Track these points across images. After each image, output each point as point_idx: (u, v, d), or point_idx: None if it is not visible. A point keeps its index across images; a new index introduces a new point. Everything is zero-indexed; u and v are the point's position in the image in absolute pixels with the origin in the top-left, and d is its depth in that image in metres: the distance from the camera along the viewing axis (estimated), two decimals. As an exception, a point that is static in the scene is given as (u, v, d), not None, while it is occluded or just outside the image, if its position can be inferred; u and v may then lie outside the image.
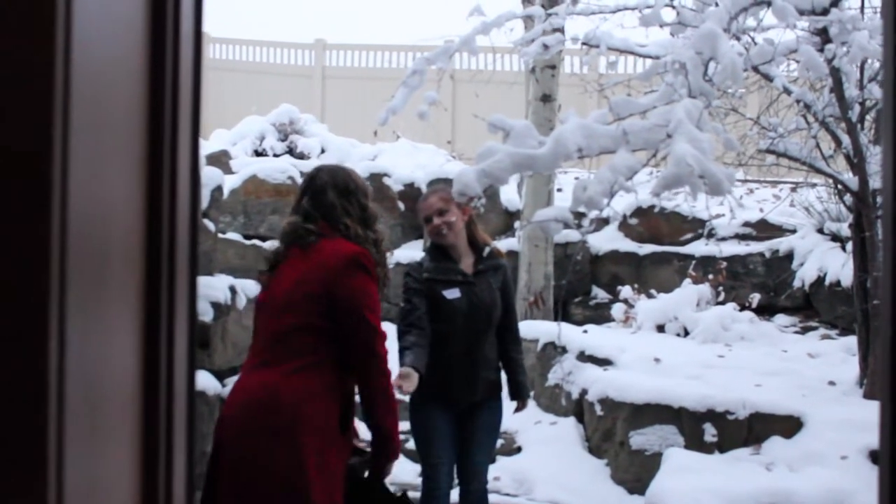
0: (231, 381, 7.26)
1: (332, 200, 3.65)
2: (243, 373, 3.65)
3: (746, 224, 10.41)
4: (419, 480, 6.78)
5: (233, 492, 3.37)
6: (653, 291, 9.30)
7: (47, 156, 1.03)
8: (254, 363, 3.57)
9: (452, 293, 4.87)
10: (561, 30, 6.75)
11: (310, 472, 3.36)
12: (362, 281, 3.52)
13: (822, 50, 5.83)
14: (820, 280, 9.43)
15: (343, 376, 3.53)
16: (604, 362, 7.25)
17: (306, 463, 3.36)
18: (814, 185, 9.47)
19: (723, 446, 6.16)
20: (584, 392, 7.02)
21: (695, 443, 6.19)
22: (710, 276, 9.20)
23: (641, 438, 6.39)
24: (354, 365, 3.51)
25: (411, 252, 11.01)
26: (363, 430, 3.84)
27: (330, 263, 3.51)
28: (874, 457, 5.56)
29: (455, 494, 5.37)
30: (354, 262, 3.52)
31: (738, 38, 5.52)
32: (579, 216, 4.00)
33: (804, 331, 9.35)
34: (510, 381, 5.06)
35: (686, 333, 8.41)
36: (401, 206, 11.38)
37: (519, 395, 5.09)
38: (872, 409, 6.07)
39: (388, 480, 6.86)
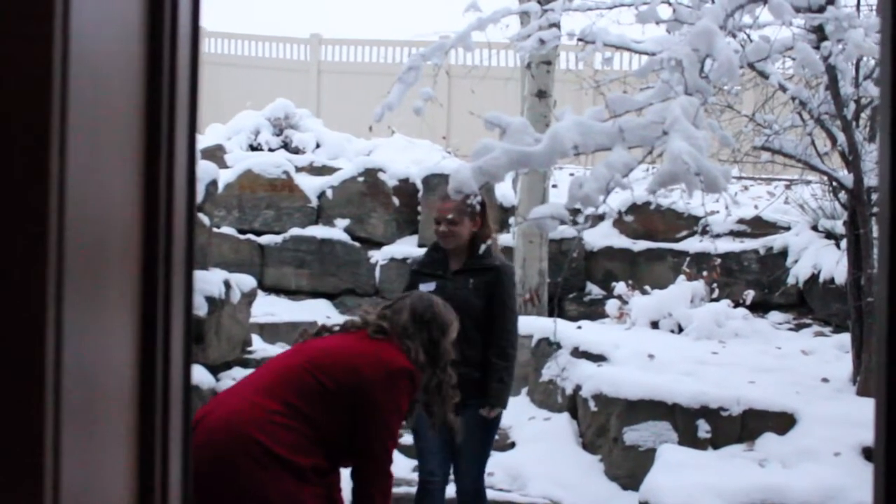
0: (224, 375, 7.25)
1: (406, 321, 3.68)
2: (239, 386, 3.62)
3: (741, 221, 10.42)
4: (414, 475, 6.79)
5: None
6: (647, 288, 9.31)
7: (45, 151, 1.03)
8: (253, 386, 3.52)
9: (428, 286, 4.83)
10: (557, 25, 6.74)
11: (270, 494, 3.28)
12: (401, 394, 3.54)
13: (817, 47, 5.83)
14: (814, 277, 9.45)
15: (325, 461, 3.47)
16: (598, 358, 7.26)
17: (268, 493, 3.28)
18: (808, 183, 9.48)
19: (716, 443, 6.17)
20: (577, 388, 7.03)
21: (688, 439, 6.20)
22: (705, 273, 9.21)
23: (635, 434, 6.39)
24: (356, 461, 3.53)
25: (405, 247, 11.01)
26: None
27: (384, 359, 3.53)
28: (867, 453, 5.58)
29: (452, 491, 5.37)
30: (401, 376, 3.54)
31: (733, 36, 5.52)
32: (575, 213, 4.00)
33: (798, 328, 9.37)
34: (484, 385, 4.95)
35: (680, 330, 8.42)
36: (395, 201, 11.38)
37: (487, 401, 4.97)
38: (865, 405, 6.08)
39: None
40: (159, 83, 1.35)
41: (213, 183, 9.04)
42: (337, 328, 3.75)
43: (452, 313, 3.84)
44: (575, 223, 3.95)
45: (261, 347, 8.26)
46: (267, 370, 3.61)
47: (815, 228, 9.87)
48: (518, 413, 7.61)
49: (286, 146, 12.96)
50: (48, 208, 1.03)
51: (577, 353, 7.38)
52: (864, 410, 5.95)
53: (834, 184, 7.15)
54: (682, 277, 9.14)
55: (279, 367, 3.55)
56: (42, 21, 1.03)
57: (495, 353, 4.93)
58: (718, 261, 9.45)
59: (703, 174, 2.95)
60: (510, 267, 5.05)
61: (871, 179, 6.43)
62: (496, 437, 7.26)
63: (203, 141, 12.44)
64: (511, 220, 10.45)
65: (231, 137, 13.12)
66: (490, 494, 6.29)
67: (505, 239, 10.30)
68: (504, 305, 4.94)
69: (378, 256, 11.06)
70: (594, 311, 9.96)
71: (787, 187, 10.04)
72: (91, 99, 1.14)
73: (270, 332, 9.30)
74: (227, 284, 7.35)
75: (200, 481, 3.20)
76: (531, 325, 8.19)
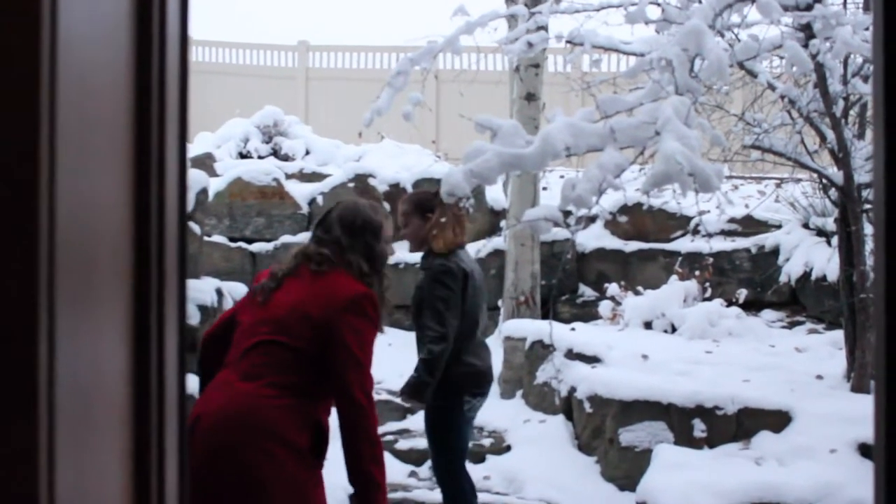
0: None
1: (338, 235, 3.58)
2: (221, 377, 3.55)
3: (732, 220, 10.44)
4: (410, 481, 6.78)
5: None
6: (640, 288, 9.32)
7: (34, 159, 1.02)
8: (232, 373, 3.47)
9: None
10: (545, 28, 6.75)
11: (275, 484, 3.25)
12: (363, 324, 3.43)
13: (806, 45, 5.84)
14: (806, 275, 9.47)
15: (316, 405, 3.42)
16: (592, 360, 7.25)
17: (263, 473, 3.25)
18: (799, 181, 9.50)
19: (712, 442, 6.17)
20: (572, 390, 7.02)
21: (684, 439, 6.20)
22: (697, 273, 9.22)
23: (631, 435, 6.39)
24: (338, 407, 3.41)
25: (397, 253, 11.00)
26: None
27: (337, 296, 3.42)
28: (863, 450, 5.58)
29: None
30: (360, 304, 3.43)
31: (722, 35, 5.53)
32: (567, 214, 3.99)
33: (791, 326, 9.39)
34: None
35: (673, 330, 8.43)
36: (386, 206, 11.36)
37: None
38: (860, 402, 6.09)
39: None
40: (148, 91, 1.34)
41: (204, 191, 9.03)
42: (284, 271, 3.60)
43: (380, 212, 3.73)
44: (567, 225, 3.94)
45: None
46: (238, 350, 3.51)
47: (806, 226, 9.89)
48: (513, 416, 7.60)
49: (276, 153, 12.95)
50: (38, 218, 1.02)
51: (571, 354, 7.37)
52: (859, 407, 5.96)
53: (824, 181, 7.16)
54: (674, 277, 9.16)
55: (248, 345, 3.46)
56: (29, 29, 1.02)
57: (418, 347, 5.06)
58: (710, 260, 9.46)
59: (696, 174, 2.95)
60: (438, 266, 5.00)
61: (860, 176, 6.44)
62: (492, 440, 7.26)
63: (192, 149, 12.44)
64: (502, 223, 10.45)
65: (220, 145, 13.11)
66: (486, 498, 6.30)
67: (497, 242, 10.31)
68: (425, 301, 5.00)
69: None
70: (587, 313, 9.96)
71: (778, 186, 10.06)
72: (80, 107, 1.13)
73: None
74: (220, 293, 7.34)
75: (206, 483, 3.21)
76: (524, 328, 8.19)
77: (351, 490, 3.57)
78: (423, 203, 5.05)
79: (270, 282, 3.57)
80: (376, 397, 7.95)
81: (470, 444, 5.38)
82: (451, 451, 5.17)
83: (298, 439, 3.32)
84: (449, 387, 5.00)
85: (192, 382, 6.70)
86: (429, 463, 6.90)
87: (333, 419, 3.47)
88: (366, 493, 3.38)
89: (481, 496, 6.37)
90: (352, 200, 3.91)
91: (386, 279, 3.71)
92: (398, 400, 8.06)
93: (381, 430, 7.76)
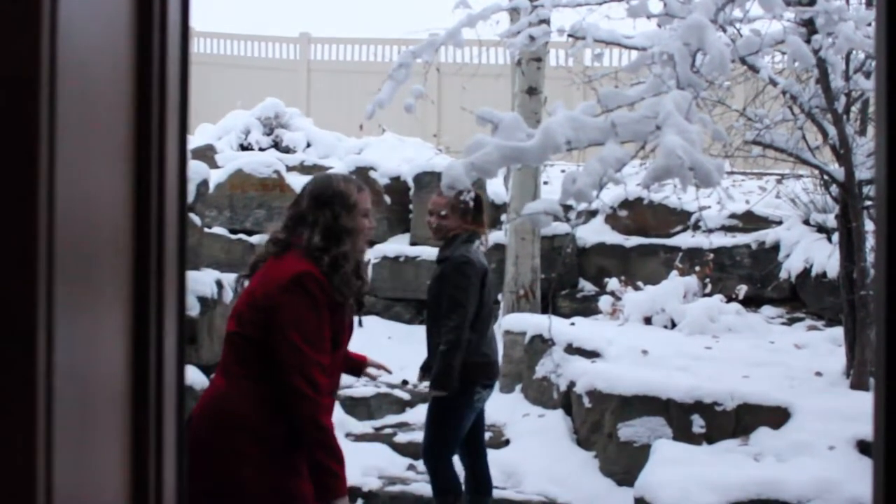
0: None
1: (304, 210, 3.47)
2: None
3: (733, 216, 10.44)
4: (409, 474, 6.79)
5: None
6: (640, 283, 9.32)
7: (34, 151, 1.01)
8: (216, 370, 3.49)
9: None
10: (547, 21, 6.74)
11: (245, 484, 3.19)
12: (302, 304, 3.28)
13: (808, 41, 5.83)
14: (806, 271, 9.47)
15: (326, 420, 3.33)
16: (591, 354, 7.26)
17: (240, 475, 3.20)
18: (800, 177, 9.49)
19: (711, 437, 6.17)
20: (571, 384, 7.02)
21: (683, 434, 6.20)
22: (697, 268, 9.22)
23: (630, 430, 6.39)
24: (283, 391, 3.28)
25: (397, 246, 11.00)
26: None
27: (277, 278, 3.32)
28: (861, 446, 5.58)
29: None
30: (293, 283, 3.29)
31: (724, 30, 5.51)
32: (567, 209, 4.00)
33: (791, 322, 9.39)
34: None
35: (673, 325, 8.43)
36: (387, 199, 11.36)
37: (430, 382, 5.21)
38: (859, 399, 6.09)
39: (376, 474, 6.88)
40: (149, 82, 1.33)
41: (204, 183, 9.02)
42: (254, 260, 3.56)
43: (354, 184, 3.56)
44: (567, 219, 3.94)
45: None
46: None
47: (806, 222, 9.89)
48: (512, 410, 7.61)
49: (277, 145, 12.95)
50: (37, 209, 1.01)
51: (571, 349, 7.38)
52: (858, 404, 5.96)
53: (825, 177, 7.16)
54: (674, 273, 9.15)
55: (225, 338, 3.49)
56: (29, 20, 1.01)
57: (439, 338, 5.17)
58: (711, 256, 9.46)
59: (696, 169, 2.95)
60: (459, 257, 5.19)
61: (862, 173, 6.44)
62: (491, 434, 7.27)
63: (193, 141, 12.44)
64: (503, 217, 10.45)
65: (221, 137, 13.11)
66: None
67: (497, 236, 10.31)
68: (445, 293, 5.17)
69: (370, 255, 11.05)
70: (587, 308, 9.96)
71: (779, 182, 10.05)
72: (80, 98, 1.12)
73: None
74: (220, 284, 7.34)
75: (192, 486, 3.20)
76: (524, 322, 8.19)
77: (349, 482, 3.56)
78: (465, 201, 5.24)
79: (245, 272, 3.55)
80: (375, 391, 8.03)
81: (487, 436, 5.54)
82: (446, 441, 5.29)
83: (270, 429, 3.26)
84: (463, 376, 5.13)
85: (191, 374, 6.71)
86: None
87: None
88: (317, 481, 3.26)
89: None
90: (325, 174, 3.78)
91: (359, 254, 3.51)
92: (397, 393, 8.08)
93: (379, 423, 7.82)
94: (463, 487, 5.43)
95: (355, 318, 3.69)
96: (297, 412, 3.25)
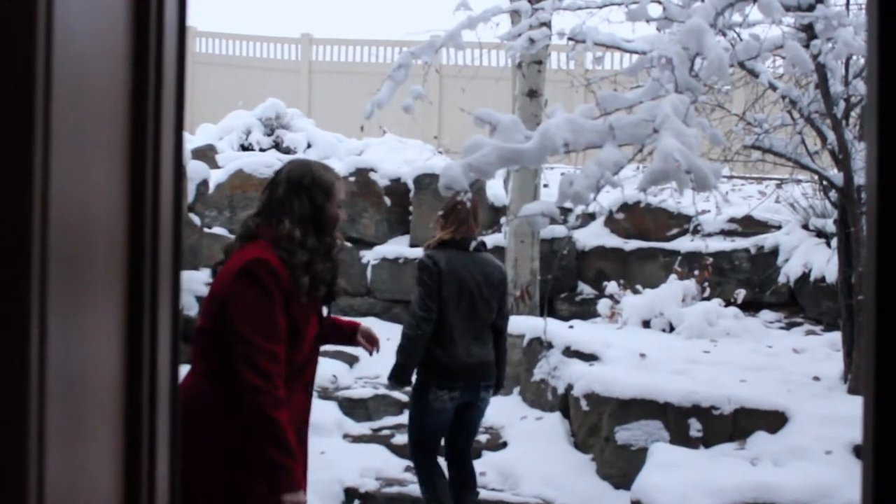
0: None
1: (281, 196, 3.32)
2: None
3: (732, 220, 10.45)
4: (406, 475, 6.79)
5: None
6: (638, 287, 9.32)
7: (28, 149, 1.02)
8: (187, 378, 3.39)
9: None
10: (547, 24, 6.75)
11: (198, 482, 3.06)
12: (252, 293, 3.17)
13: (807, 46, 5.84)
14: (805, 276, 9.47)
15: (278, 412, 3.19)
16: (589, 357, 7.26)
17: (193, 473, 2.98)
18: (799, 182, 9.50)
19: (708, 441, 6.17)
20: (569, 387, 7.03)
21: (680, 438, 6.20)
22: (696, 272, 9.22)
23: (627, 433, 6.40)
24: (236, 381, 3.17)
25: (397, 247, 11.01)
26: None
27: (231, 269, 3.24)
28: (858, 451, 5.58)
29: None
30: (243, 272, 3.18)
31: (724, 34, 5.53)
32: (565, 211, 4.01)
33: (789, 326, 9.39)
34: None
35: (671, 329, 8.43)
36: (387, 201, 11.37)
37: None
38: (857, 404, 6.08)
39: (374, 476, 6.88)
40: (145, 82, 1.34)
41: (204, 183, 9.05)
42: (224, 250, 3.48)
43: (332, 171, 3.43)
44: (565, 222, 3.95)
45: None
46: None
47: (805, 227, 9.89)
48: (510, 412, 7.61)
49: (277, 146, 12.96)
50: (31, 207, 1.02)
51: (569, 352, 7.38)
52: (856, 409, 5.95)
53: (824, 182, 7.16)
54: (673, 277, 9.16)
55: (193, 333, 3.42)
56: (25, 17, 1.02)
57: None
58: (710, 260, 9.47)
59: (693, 172, 2.96)
60: (419, 261, 5.49)
61: (861, 178, 6.44)
62: (488, 436, 7.28)
63: (194, 141, 12.44)
64: (502, 219, 10.45)
65: (222, 137, 13.12)
66: (482, 494, 6.31)
67: (497, 238, 10.32)
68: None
69: (370, 256, 11.06)
70: (586, 311, 9.97)
71: (778, 186, 10.06)
72: (76, 98, 1.13)
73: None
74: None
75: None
76: (523, 325, 8.19)
77: (346, 483, 3.54)
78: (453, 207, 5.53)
79: (218, 262, 3.46)
80: (373, 392, 8.03)
81: (483, 439, 5.60)
82: (413, 437, 5.55)
83: (225, 426, 3.18)
84: (421, 376, 5.39)
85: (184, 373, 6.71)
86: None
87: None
88: (268, 475, 3.17)
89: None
90: (301, 159, 3.62)
91: (337, 247, 3.40)
92: (395, 395, 8.08)
93: (377, 424, 7.82)
94: (447, 483, 5.59)
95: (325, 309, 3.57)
96: (248, 404, 3.14)
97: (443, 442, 5.57)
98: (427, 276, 5.32)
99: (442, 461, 5.64)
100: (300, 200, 3.32)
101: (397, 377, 5.36)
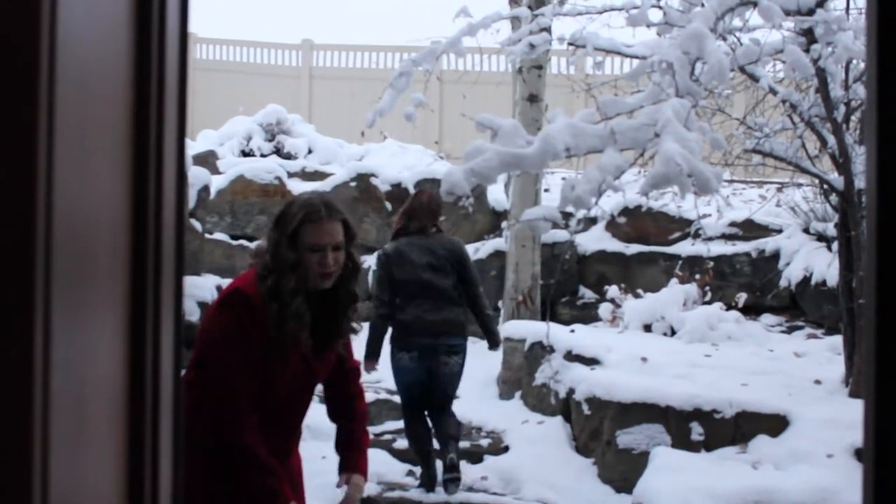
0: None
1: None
2: None
3: (733, 224, 10.45)
4: (407, 480, 6.79)
5: None
6: (640, 291, 9.32)
7: (32, 155, 1.03)
8: None
9: None
10: (548, 30, 6.76)
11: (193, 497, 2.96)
12: (215, 321, 3.14)
13: (807, 50, 5.85)
14: (806, 280, 9.47)
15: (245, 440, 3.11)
16: (591, 362, 7.26)
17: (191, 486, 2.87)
18: (800, 186, 9.50)
19: (709, 445, 6.18)
20: (571, 391, 7.03)
21: (682, 442, 6.21)
22: (697, 276, 9.22)
23: (628, 437, 6.40)
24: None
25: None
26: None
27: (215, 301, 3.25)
28: (860, 455, 5.58)
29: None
30: (219, 302, 3.17)
31: (724, 39, 5.54)
32: (567, 216, 4.02)
33: (790, 330, 9.39)
34: None
35: (673, 333, 8.43)
36: (388, 206, 11.37)
37: None
38: (858, 407, 6.08)
39: (376, 480, 6.87)
40: (147, 87, 1.35)
41: (206, 188, 9.05)
42: None
43: (309, 214, 3.11)
44: (567, 226, 3.95)
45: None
46: None
47: (806, 231, 9.90)
48: (512, 417, 7.61)
49: (278, 152, 12.97)
50: (36, 212, 1.02)
51: (571, 356, 7.38)
52: (857, 412, 5.95)
53: (825, 186, 7.17)
54: (674, 281, 9.16)
55: None
56: (29, 24, 1.03)
57: None
58: (711, 264, 9.47)
59: (695, 176, 2.96)
60: (377, 253, 6.77)
61: (861, 182, 6.45)
62: (489, 440, 7.28)
63: (195, 147, 12.45)
64: (503, 224, 10.46)
65: (223, 143, 13.13)
66: (484, 498, 6.32)
67: (498, 243, 10.33)
68: None
69: (371, 261, 11.05)
70: (587, 315, 9.97)
71: (779, 190, 10.07)
72: (79, 103, 1.13)
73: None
74: (220, 290, 7.36)
75: None
76: (524, 329, 8.20)
77: (343, 486, 3.49)
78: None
79: None
80: (375, 397, 8.04)
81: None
82: (402, 397, 6.62)
83: (199, 478, 3.05)
84: (389, 343, 6.39)
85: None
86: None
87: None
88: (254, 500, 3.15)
89: (479, 496, 6.40)
90: (313, 193, 3.42)
91: (290, 296, 3.11)
92: (397, 399, 8.08)
93: (379, 429, 7.83)
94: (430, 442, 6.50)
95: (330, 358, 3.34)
96: (217, 433, 3.09)
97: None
98: (379, 268, 6.42)
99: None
100: (272, 234, 3.19)
101: (367, 351, 6.29)
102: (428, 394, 6.37)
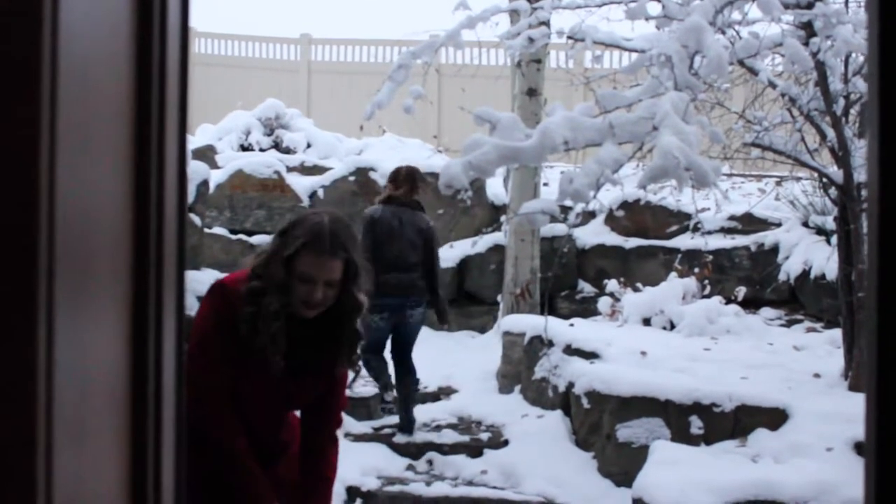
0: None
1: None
2: None
3: (732, 218, 10.44)
4: (407, 474, 6.80)
5: None
6: (639, 285, 9.32)
7: (34, 150, 1.03)
8: None
9: None
10: (546, 23, 6.75)
11: None
12: (200, 311, 3.09)
13: (806, 44, 5.85)
14: (805, 273, 9.47)
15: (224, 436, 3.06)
16: (590, 355, 7.27)
17: None
18: (799, 179, 9.51)
19: (709, 439, 6.18)
20: (570, 385, 7.03)
21: (681, 435, 6.21)
22: (696, 270, 9.22)
23: (628, 431, 6.40)
24: None
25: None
26: None
27: None
28: (859, 448, 5.59)
29: None
30: (206, 292, 3.12)
31: (723, 32, 5.53)
32: (565, 210, 4.02)
33: (789, 324, 9.39)
34: None
35: (672, 327, 8.43)
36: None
37: None
38: (857, 401, 6.10)
39: (375, 474, 6.89)
40: (149, 83, 1.34)
41: (205, 183, 9.04)
42: None
43: (309, 244, 2.97)
44: (565, 220, 3.95)
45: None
46: None
47: (805, 225, 9.89)
48: (511, 411, 7.62)
49: (277, 146, 12.95)
50: (38, 208, 1.02)
51: (570, 350, 7.38)
52: (856, 406, 5.96)
53: (824, 180, 7.17)
54: (673, 274, 9.16)
55: None
56: (30, 19, 1.03)
57: None
58: (710, 258, 9.47)
59: (693, 169, 2.96)
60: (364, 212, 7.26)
61: (860, 175, 6.45)
62: (490, 434, 7.29)
63: (194, 141, 12.44)
64: (502, 217, 10.46)
65: (222, 138, 13.12)
66: (483, 492, 6.33)
67: (497, 237, 10.32)
68: None
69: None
70: (586, 309, 9.97)
71: (778, 184, 10.07)
72: (80, 98, 1.13)
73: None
74: (218, 284, 7.35)
75: None
76: (523, 323, 8.20)
77: (348, 482, 3.48)
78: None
79: None
80: (374, 391, 8.03)
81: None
82: (368, 345, 7.23)
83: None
84: None
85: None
86: (426, 456, 7.02)
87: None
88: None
89: (478, 490, 6.42)
90: (320, 214, 3.17)
91: (272, 318, 2.99)
92: (396, 394, 8.09)
93: (378, 423, 7.85)
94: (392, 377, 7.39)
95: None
96: (199, 427, 2.93)
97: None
98: (364, 227, 7.07)
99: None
100: (273, 241, 3.09)
101: None
102: (393, 346, 7.30)
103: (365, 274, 3.08)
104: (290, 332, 3.02)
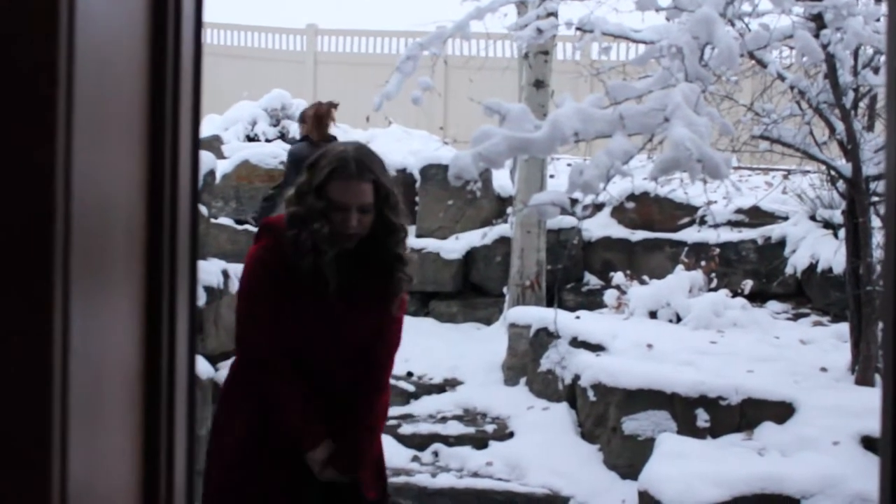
0: (223, 365, 7.27)
1: None
2: None
3: (739, 211, 10.42)
4: (413, 465, 6.81)
5: None
6: (645, 278, 9.30)
7: (50, 140, 1.02)
8: None
9: None
10: (555, 14, 6.74)
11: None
12: (241, 278, 3.17)
13: (816, 36, 5.82)
14: (812, 267, 9.45)
15: (268, 376, 3.08)
16: (596, 348, 7.26)
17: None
18: (807, 172, 9.48)
19: (715, 432, 6.18)
20: (576, 378, 7.03)
21: (687, 428, 6.21)
22: (703, 263, 9.21)
23: (634, 424, 6.40)
24: None
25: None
26: None
27: None
28: (866, 442, 5.59)
29: None
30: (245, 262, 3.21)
31: (732, 24, 5.51)
32: (573, 202, 4.01)
33: (796, 317, 9.38)
34: None
35: (678, 320, 8.42)
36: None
37: None
38: (864, 395, 6.09)
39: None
40: (163, 74, 1.34)
41: (211, 173, 9.03)
42: None
43: (337, 171, 3.04)
44: (573, 212, 3.94)
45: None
46: None
47: (813, 218, 9.87)
48: (517, 403, 7.62)
49: (283, 136, 12.95)
50: (55, 197, 1.02)
51: (576, 342, 7.38)
52: (863, 399, 5.96)
53: (832, 173, 7.15)
54: (680, 267, 9.14)
55: None
56: (48, 10, 1.02)
57: None
58: (717, 251, 9.45)
59: (704, 161, 2.95)
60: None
61: (869, 168, 6.43)
62: (495, 426, 7.30)
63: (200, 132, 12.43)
64: (509, 210, 10.44)
65: (228, 128, 13.11)
66: (489, 484, 6.34)
67: (503, 229, 10.31)
68: None
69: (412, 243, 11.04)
70: (592, 302, 9.95)
71: (786, 177, 10.04)
72: (96, 88, 1.13)
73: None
74: (226, 275, 7.35)
75: None
76: (530, 315, 8.19)
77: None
78: None
79: None
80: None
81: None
82: None
83: (226, 428, 3.22)
84: None
85: (198, 365, 6.72)
86: (431, 447, 7.02)
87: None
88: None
89: (484, 482, 6.43)
90: (341, 144, 3.35)
91: (327, 243, 3.03)
92: (402, 385, 8.10)
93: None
94: None
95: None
96: (246, 368, 3.17)
97: None
98: (289, 162, 7.82)
99: None
100: (300, 182, 3.13)
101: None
102: None
103: (401, 200, 3.14)
104: (337, 263, 3.06)
